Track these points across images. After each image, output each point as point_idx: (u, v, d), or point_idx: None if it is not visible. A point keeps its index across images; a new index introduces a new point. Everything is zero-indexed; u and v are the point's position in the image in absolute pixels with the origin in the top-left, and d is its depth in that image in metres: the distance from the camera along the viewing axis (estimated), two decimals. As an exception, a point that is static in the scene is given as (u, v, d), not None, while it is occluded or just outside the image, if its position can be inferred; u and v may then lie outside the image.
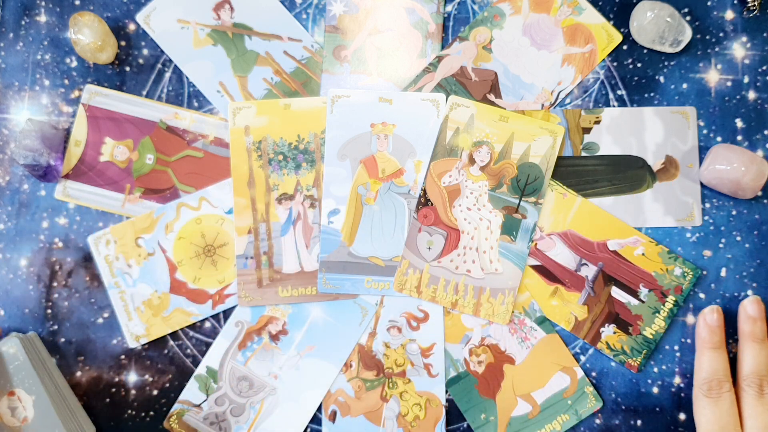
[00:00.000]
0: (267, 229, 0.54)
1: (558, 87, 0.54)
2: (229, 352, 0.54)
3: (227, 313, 0.54)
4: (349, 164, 0.54)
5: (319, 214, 0.54)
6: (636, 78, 0.54)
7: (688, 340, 0.52)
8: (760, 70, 0.54)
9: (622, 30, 0.55)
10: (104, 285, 0.54)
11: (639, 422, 0.53)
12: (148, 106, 0.55)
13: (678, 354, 0.53)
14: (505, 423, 0.52)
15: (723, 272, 0.53)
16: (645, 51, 0.55)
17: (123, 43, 0.55)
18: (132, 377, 0.54)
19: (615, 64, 0.55)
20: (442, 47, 0.55)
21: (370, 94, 0.54)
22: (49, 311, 0.54)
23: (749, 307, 0.49)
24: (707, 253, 0.53)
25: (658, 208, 0.53)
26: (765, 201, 0.53)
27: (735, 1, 0.55)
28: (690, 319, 0.53)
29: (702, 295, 0.53)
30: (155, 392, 0.54)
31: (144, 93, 0.55)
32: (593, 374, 0.53)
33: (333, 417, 0.53)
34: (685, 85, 0.54)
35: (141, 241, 0.54)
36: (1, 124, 0.55)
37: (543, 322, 0.53)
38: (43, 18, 0.56)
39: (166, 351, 0.54)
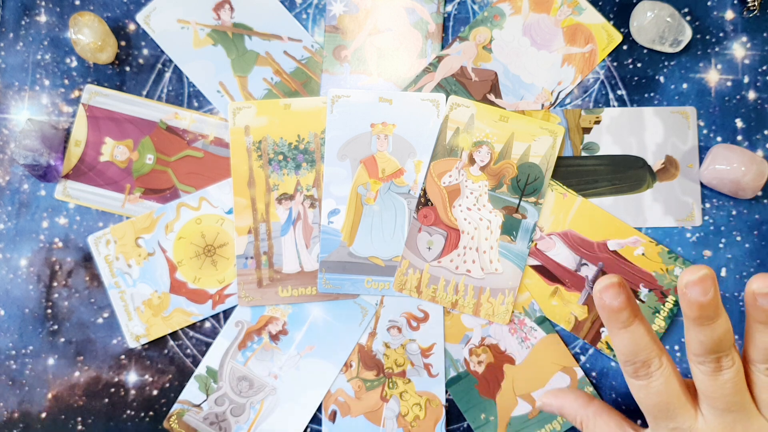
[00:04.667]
0: (267, 229, 0.54)
1: (558, 87, 0.54)
2: (229, 352, 0.54)
3: (227, 313, 0.54)
4: (349, 164, 0.54)
5: (319, 214, 0.54)
6: (636, 78, 0.54)
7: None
8: (760, 70, 0.54)
9: (622, 30, 0.55)
10: (104, 285, 0.54)
11: (639, 422, 0.52)
12: (148, 106, 0.55)
13: (678, 354, 0.53)
14: (505, 423, 0.52)
15: (723, 272, 0.53)
16: (645, 51, 0.55)
17: (123, 43, 0.55)
18: (132, 377, 0.54)
19: (615, 64, 0.55)
20: (442, 47, 0.55)
21: (370, 94, 0.54)
22: (49, 311, 0.54)
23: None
24: (707, 253, 0.53)
25: (658, 208, 0.53)
26: (765, 201, 0.53)
27: (735, 1, 0.55)
28: (690, 319, 0.53)
29: (702, 295, 0.53)
30: (155, 392, 0.54)
31: (144, 93, 0.55)
32: (593, 374, 0.53)
33: (333, 417, 0.53)
34: (685, 85, 0.54)
35: (141, 241, 0.54)
36: (1, 124, 0.55)
37: (543, 322, 0.53)
38: (43, 18, 0.56)
39: (166, 351, 0.54)
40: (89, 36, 0.53)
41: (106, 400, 0.54)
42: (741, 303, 0.53)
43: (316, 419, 0.53)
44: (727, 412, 0.35)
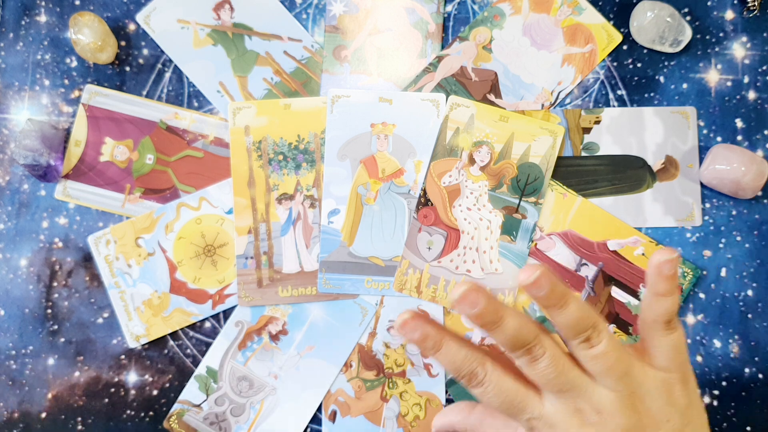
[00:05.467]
0: (267, 229, 0.54)
1: (558, 87, 0.54)
2: (229, 352, 0.54)
3: (227, 313, 0.54)
4: (349, 164, 0.54)
5: (319, 214, 0.54)
6: (636, 78, 0.54)
7: (688, 341, 0.52)
8: (760, 70, 0.54)
9: (622, 30, 0.55)
10: (104, 285, 0.54)
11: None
12: (148, 106, 0.55)
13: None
14: (505, 423, 0.52)
15: (723, 272, 0.53)
16: (645, 51, 0.55)
17: (123, 43, 0.55)
18: (132, 377, 0.54)
19: (615, 64, 0.55)
20: (442, 47, 0.55)
21: (370, 94, 0.54)
22: (49, 311, 0.54)
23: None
24: (707, 253, 0.53)
25: (658, 208, 0.53)
26: (765, 201, 0.53)
27: (735, 1, 0.55)
28: (690, 319, 0.53)
29: (702, 295, 0.53)
30: (155, 392, 0.54)
31: (144, 93, 0.55)
32: (593, 374, 0.53)
33: (333, 417, 0.53)
34: (685, 85, 0.54)
35: (141, 241, 0.54)
36: (1, 124, 0.55)
37: (543, 322, 0.53)
38: (43, 18, 0.56)
39: (166, 351, 0.54)
40: (89, 36, 0.53)
41: (106, 400, 0.54)
42: (741, 303, 0.53)
43: (316, 419, 0.53)
44: (562, 393, 0.36)
